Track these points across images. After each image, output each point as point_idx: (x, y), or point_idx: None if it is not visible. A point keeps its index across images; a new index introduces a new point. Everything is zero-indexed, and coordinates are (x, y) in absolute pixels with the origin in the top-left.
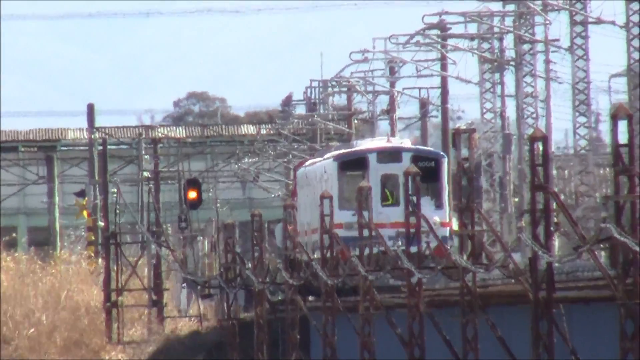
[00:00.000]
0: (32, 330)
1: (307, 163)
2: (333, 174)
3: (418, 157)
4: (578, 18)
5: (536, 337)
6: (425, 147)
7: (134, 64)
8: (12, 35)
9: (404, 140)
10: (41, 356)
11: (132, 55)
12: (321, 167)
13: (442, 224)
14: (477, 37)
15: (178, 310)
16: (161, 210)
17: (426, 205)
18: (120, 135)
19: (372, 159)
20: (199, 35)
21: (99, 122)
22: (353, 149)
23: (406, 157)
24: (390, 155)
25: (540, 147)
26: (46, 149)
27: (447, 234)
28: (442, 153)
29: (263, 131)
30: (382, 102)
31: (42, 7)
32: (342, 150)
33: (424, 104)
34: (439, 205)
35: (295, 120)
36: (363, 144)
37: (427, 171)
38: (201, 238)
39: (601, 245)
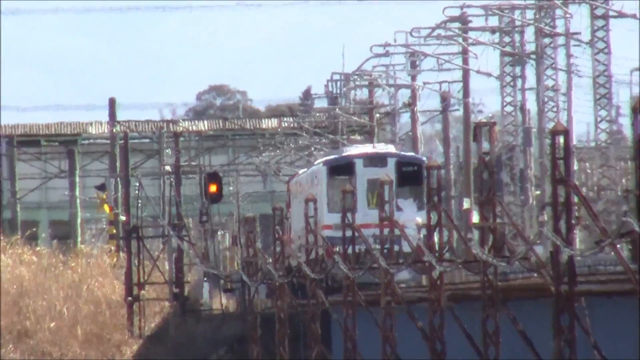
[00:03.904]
0: (54, 324)
1: (300, 172)
2: (322, 179)
3: (402, 162)
4: (599, 11)
5: (558, 330)
6: (408, 153)
7: (155, 58)
8: (33, 30)
9: (389, 147)
10: (62, 350)
11: (153, 49)
12: (311, 173)
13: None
14: (498, 31)
15: (200, 304)
16: (182, 203)
17: (409, 207)
18: (142, 129)
19: (359, 164)
20: (220, 29)
21: (121, 116)
22: (341, 155)
23: (391, 162)
24: (376, 160)
25: (562, 141)
26: (67, 143)
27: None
28: (424, 159)
29: (284, 124)
30: (404, 95)
31: (63, 2)
32: (331, 156)
33: (445, 98)
34: (421, 207)
35: (317, 114)
36: (351, 150)
37: (410, 175)
38: (222, 232)
39: (623, 239)
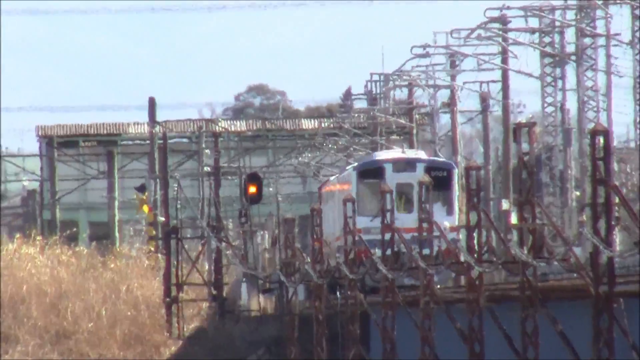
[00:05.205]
0: (92, 324)
1: (331, 179)
2: (353, 182)
3: (431, 168)
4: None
5: (597, 332)
6: (437, 158)
7: (194, 58)
8: (72, 31)
9: (418, 152)
10: (101, 350)
11: (192, 49)
12: (342, 178)
13: (451, 229)
14: (538, 31)
15: (238, 305)
16: (222, 205)
17: (438, 211)
18: (181, 129)
19: (389, 169)
20: (259, 29)
21: (160, 116)
22: (371, 159)
23: (420, 168)
24: (406, 165)
25: (602, 141)
26: (106, 143)
27: (456, 237)
28: (453, 164)
29: (324, 125)
30: (443, 96)
31: (102, 3)
32: (362, 161)
33: (484, 98)
34: (449, 212)
35: (356, 115)
36: (381, 155)
37: (439, 180)
38: (261, 232)
39: None
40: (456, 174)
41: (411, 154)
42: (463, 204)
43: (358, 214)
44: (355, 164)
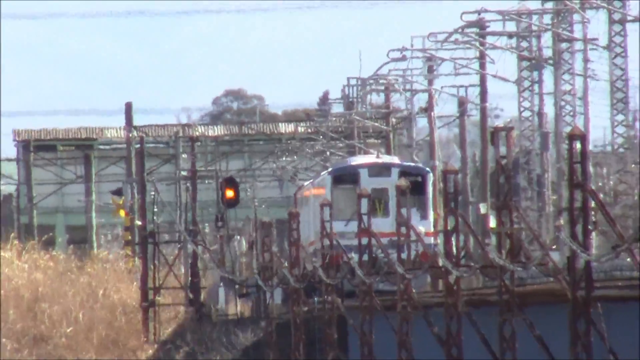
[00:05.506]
0: (70, 329)
1: (305, 184)
2: (327, 187)
3: (405, 173)
4: (616, 16)
5: (574, 336)
6: (411, 164)
7: (172, 63)
8: (52, 33)
9: (393, 157)
10: (78, 354)
11: (170, 53)
12: (317, 183)
13: (427, 234)
14: (516, 35)
15: (215, 309)
16: (199, 209)
17: (412, 216)
18: (158, 134)
19: (364, 173)
20: (236, 34)
21: (137, 120)
22: (346, 164)
23: (394, 172)
24: (380, 170)
25: (579, 145)
26: (84, 147)
27: (432, 242)
28: (427, 169)
29: (301, 129)
30: (420, 100)
31: (81, 5)
32: (336, 166)
33: (462, 102)
34: (424, 217)
35: (333, 119)
36: (356, 160)
37: (413, 185)
38: (238, 237)
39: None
40: (430, 179)
41: (386, 159)
42: (441, 208)
43: (333, 219)
44: (330, 169)
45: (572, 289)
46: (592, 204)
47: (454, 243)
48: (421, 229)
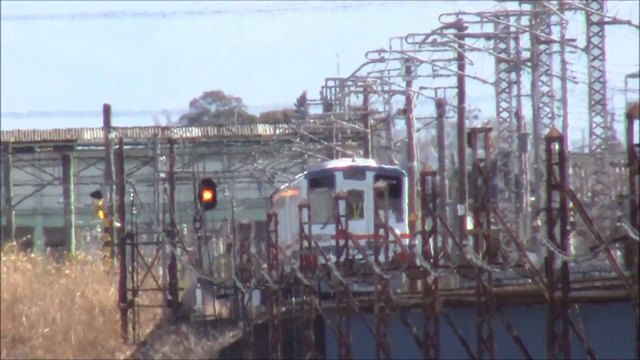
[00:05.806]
0: (48, 330)
1: (282, 188)
2: (303, 190)
3: (380, 175)
4: (594, 18)
5: (552, 337)
6: (387, 166)
7: (151, 65)
8: (31, 34)
9: (368, 160)
10: (56, 356)
11: (149, 56)
12: (293, 186)
13: (403, 235)
14: (494, 37)
15: (193, 310)
16: (178, 210)
17: (388, 218)
18: (137, 136)
19: (339, 176)
20: (215, 35)
21: (116, 122)
22: (321, 168)
23: (370, 175)
24: (356, 173)
25: (557, 147)
26: (62, 149)
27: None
28: (403, 172)
29: (279, 131)
30: (399, 101)
31: (60, 6)
32: (312, 169)
33: (440, 104)
34: (399, 219)
35: (312, 120)
36: (331, 163)
37: (389, 188)
38: (215, 239)
39: (617, 245)
40: (406, 181)
41: (361, 162)
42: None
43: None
44: (306, 172)
45: (550, 290)
46: (570, 204)
47: (431, 244)
48: (397, 231)
